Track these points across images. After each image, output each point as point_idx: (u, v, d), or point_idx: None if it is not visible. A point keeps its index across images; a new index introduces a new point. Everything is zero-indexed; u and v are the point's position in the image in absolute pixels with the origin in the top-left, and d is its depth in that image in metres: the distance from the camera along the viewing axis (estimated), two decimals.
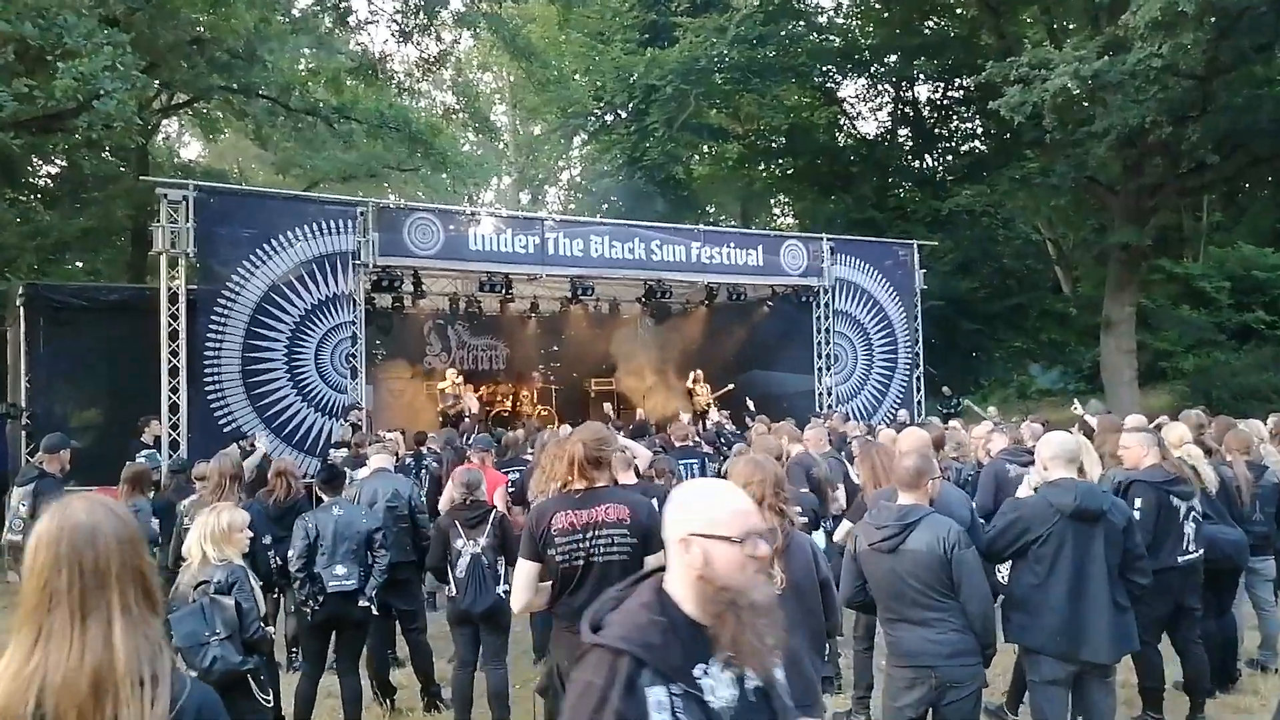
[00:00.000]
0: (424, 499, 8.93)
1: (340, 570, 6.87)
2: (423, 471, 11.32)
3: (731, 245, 18.40)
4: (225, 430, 13.29)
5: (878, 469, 6.41)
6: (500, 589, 6.78)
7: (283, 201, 14.96)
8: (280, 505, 8.06)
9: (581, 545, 4.80)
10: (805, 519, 6.05)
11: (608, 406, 20.47)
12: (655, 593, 2.38)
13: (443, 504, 7.97)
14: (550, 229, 16.36)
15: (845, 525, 6.91)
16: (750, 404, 16.75)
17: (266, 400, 13.91)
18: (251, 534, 5.86)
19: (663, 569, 2.43)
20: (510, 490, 9.07)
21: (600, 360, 23.64)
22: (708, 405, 19.12)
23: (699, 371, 20.61)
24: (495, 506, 7.27)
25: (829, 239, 19.47)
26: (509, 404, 21.74)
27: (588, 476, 4.88)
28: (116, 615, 2.16)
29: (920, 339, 20.59)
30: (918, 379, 20.52)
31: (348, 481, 8.06)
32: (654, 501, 4.98)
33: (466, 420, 15.60)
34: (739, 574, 2.30)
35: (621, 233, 17.28)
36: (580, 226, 17.21)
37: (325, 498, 7.34)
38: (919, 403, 20.46)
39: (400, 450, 11.21)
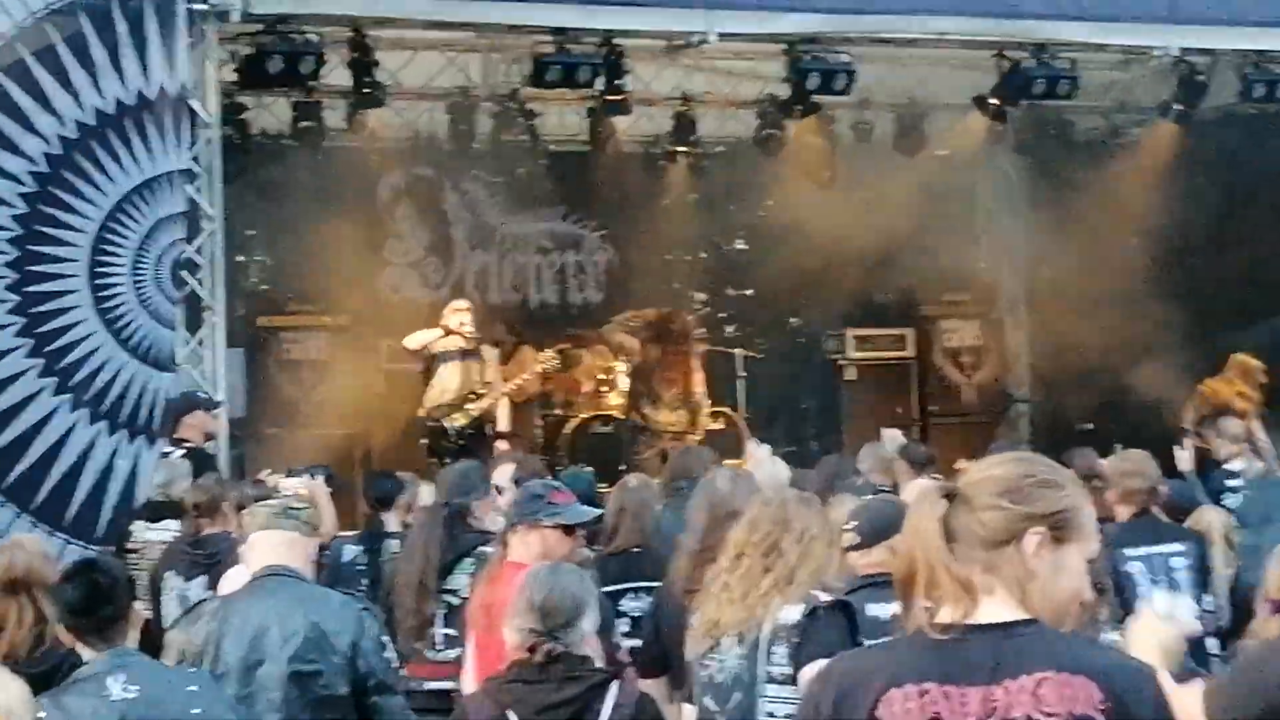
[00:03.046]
0: (391, 650, 4.22)
1: None
2: (382, 575, 5.90)
3: None
4: None
5: None
6: None
7: None
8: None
9: None
10: None
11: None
12: None
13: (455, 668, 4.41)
14: None
15: None
16: None
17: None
18: None
19: None
20: (621, 634, 4.57)
21: (876, 277, 11.43)
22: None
23: (1253, 363, 9.70)
24: (618, 674, 3.53)
25: None
26: (614, 395, 10.41)
27: (970, 589, 1.66)
28: None
29: None
30: None
31: (180, 605, 5.22)
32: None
33: (499, 443, 8.12)
34: None
35: None
36: None
37: (89, 650, 3.55)
38: None
39: (326, 525, 5.84)
